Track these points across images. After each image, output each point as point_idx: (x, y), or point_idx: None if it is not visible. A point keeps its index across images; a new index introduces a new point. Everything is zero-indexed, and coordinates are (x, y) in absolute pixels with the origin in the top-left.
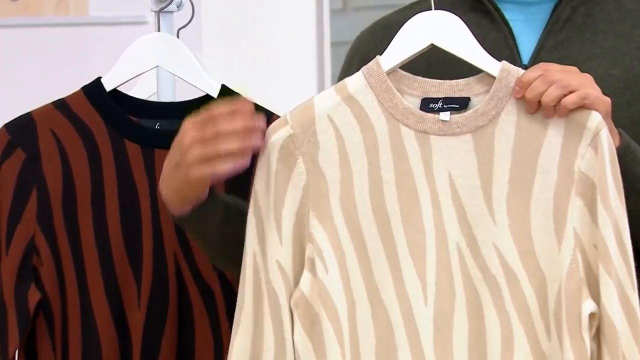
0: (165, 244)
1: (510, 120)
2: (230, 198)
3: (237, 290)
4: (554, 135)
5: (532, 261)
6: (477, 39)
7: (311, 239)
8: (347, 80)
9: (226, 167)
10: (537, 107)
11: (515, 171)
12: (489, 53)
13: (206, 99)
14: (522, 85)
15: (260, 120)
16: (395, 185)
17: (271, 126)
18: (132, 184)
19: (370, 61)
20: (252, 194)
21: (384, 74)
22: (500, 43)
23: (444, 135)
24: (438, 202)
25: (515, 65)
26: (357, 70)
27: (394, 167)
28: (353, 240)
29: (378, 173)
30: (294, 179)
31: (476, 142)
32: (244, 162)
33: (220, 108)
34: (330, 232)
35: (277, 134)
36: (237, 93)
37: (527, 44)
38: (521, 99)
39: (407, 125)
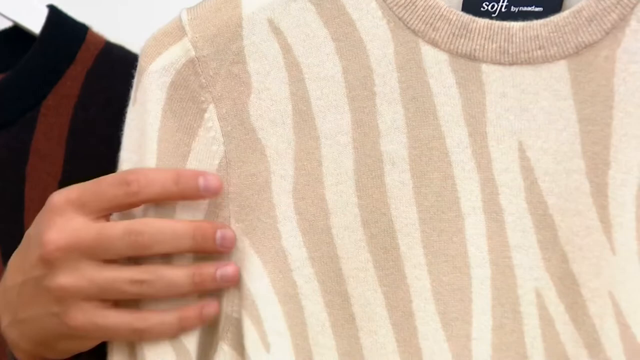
0: None
1: None
2: None
3: None
4: None
5: None
6: None
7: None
8: None
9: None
10: None
11: None
12: None
13: (16, 38)
14: None
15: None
16: (410, 168)
17: (150, 40)
18: None
19: None
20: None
21: None
22: None
23: (510, 64)
24: (497, 206)
25: None
26: None
27: (407, 128)
28: (322, 283)
29: (374, 142)
30: (197, 150)
31: (577, 77)
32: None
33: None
34: (275, 266)
35: (164, 57)
36: (84, 27)
37: None
38: None
39: (433, 43)
